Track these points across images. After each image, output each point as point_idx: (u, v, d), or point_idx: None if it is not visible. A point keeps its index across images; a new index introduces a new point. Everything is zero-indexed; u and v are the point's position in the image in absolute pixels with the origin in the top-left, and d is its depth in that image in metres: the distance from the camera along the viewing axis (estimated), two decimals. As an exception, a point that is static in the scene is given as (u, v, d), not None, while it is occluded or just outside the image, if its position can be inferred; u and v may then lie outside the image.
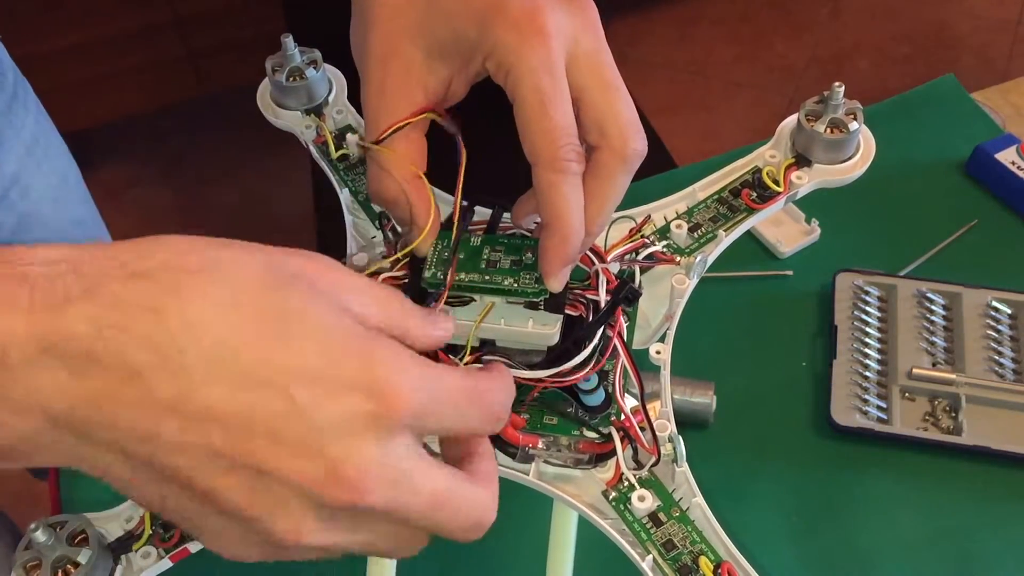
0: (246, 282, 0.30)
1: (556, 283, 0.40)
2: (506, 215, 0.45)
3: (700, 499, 0.40)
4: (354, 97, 0.55)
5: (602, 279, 0.43)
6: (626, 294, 0.41)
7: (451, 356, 0.41)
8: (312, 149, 0.53)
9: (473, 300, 0.41)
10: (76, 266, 0.29)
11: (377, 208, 0.49)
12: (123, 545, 0.41)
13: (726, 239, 0.49)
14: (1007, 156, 0.70)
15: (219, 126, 1.83)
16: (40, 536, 0.38)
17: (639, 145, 0.39)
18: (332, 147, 0.52)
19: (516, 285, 0.40)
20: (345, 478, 0.29)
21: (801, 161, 0.50)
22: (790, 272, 0.67)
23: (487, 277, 0.41)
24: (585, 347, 0.41)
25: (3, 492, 1.32)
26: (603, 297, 0.43)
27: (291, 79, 0.52)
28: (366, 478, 0.30)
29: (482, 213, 0.47)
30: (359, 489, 0.30)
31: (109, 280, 0.28)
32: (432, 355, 0.41)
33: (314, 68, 0.53)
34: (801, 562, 0.55)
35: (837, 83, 0.49)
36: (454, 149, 0.42)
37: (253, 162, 1.76)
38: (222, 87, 1.71)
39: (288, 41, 0.52)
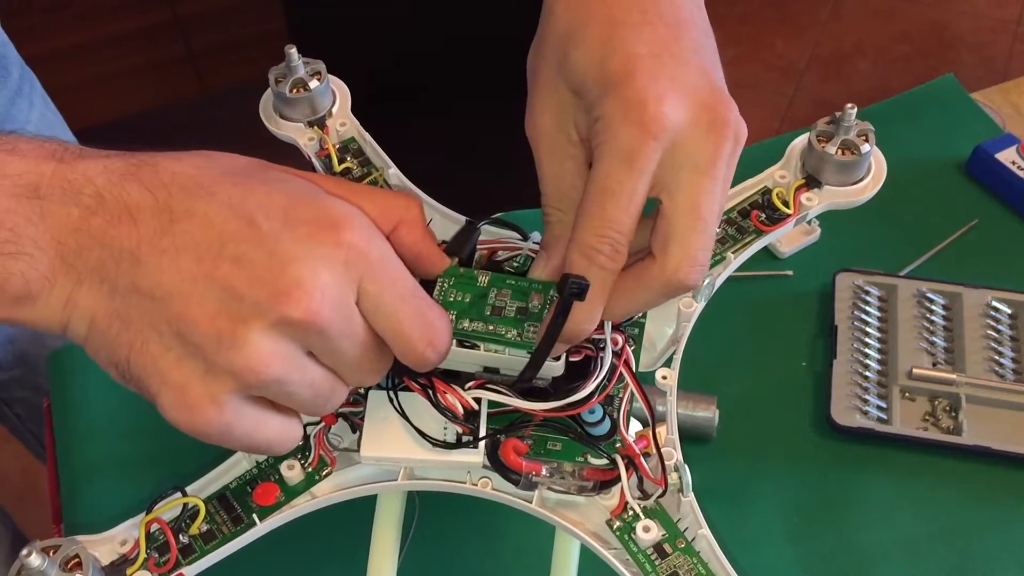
0: (237, 162, 0.36)
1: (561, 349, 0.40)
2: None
3: (706, 531, 0.40)
4: (358, 109, 0.54)
5: None
6: (570, 290, 0.39)
7: (453, 385, 0.41)
8: (315, 162, 0.52)
9: (478, 345, 0.40)
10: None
11: None
12: (117, 569, 0.41)
13: (735, 261, 0.48)
14: (1007, 156, 0.70)
15: (219, 126, 1.82)
16: (33, 560, 0.37)
17: (692, 280, 0.38)
18: (335, 160, 0.52)
19: (520, 339, 0.40)
20: (302, 294, 0.33)
21: (811, 182, 0.50)
22: (790, 272, 0.67)
23: (491, 327, 0.40)
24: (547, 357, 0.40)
25: (4, 492, 1.32)
26: (608, 334, 0.42)
27: (294, 90, 0.52)
28: (320, 297, 0.33)
29: (489, 232, 0.46)
30: (313, 306, 0.33)
31: (124, 151, 0.35)
32: (432, 383, 0.41)
33: (318, 80, 0.52)
34: (801, 562, 0.55)
35: (849, 104, 0.48)
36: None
37: (253, 162, 1.76)
38: (222, 87, 1.70)
39: (292, 52, 0.51)
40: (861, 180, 0.50)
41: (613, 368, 0.42)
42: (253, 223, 0.34)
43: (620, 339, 0.43)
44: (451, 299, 0.41)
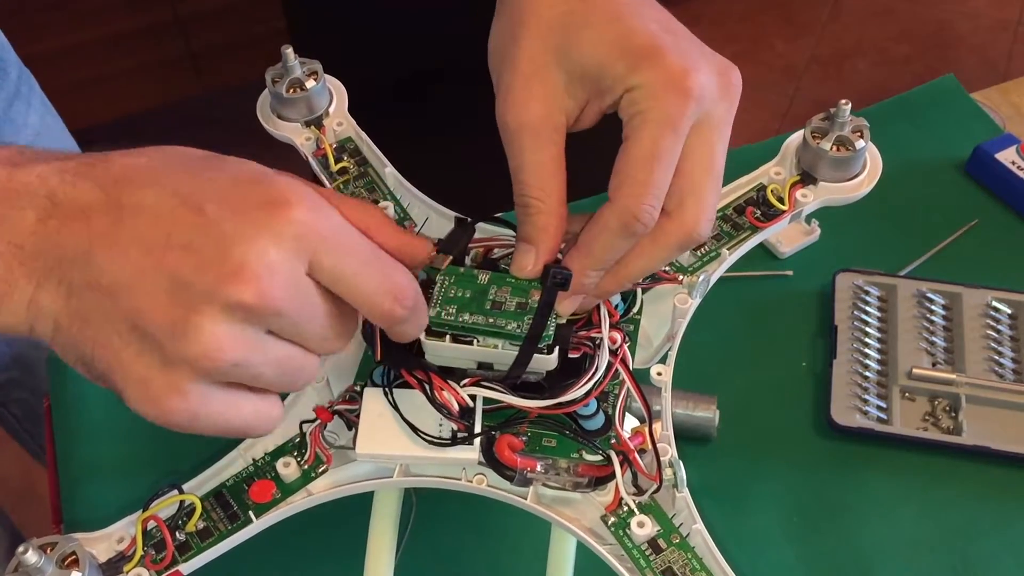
0: (190, 153, 0.37)
1: (563, 308, 0.41)
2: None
3: (700, 525, 0.40)
4: (354, 109, 0.54)
5: (603, 310, 0.43)
6: (553, 280, 0.39)
7: (449, 382, 0.41)
8: (312, 162, 0.52)
9: (475, 340, 0.40)
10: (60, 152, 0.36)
11: None
12: (114, 567, 0.41)
13: (730, 258, 0.48)
14: (1007, 156, 0.70)
15: (219, 126, 1.83)
16: (30, 557, 0.37)
17: (705, 232, 0.40)
18: (332, 160, 0.52)
19: (520, 330, 0.40)
20: (250, 276, 0.33)
21: (806, 179, 0.50)
22: (790, 272, 0.67)
23: (491, 320, 0.40)
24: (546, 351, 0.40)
25: (3, 492, 1.32)
26: (606, 332, 0.42)
27: (291, 90, 0.52)
28: (268, 276, 0.33)
29: (483, 230, 0.46)
30: (263, 287, 0.33)
31: (79, 154, 0.36)
32: (431, 381, 0.41)
33: (314, 80, 0.52)
34: (801, 562, 0.55)
35: (844, 100, 0.48)
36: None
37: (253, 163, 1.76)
38: (222, 87, 1.70)
39: (288, 52, 0.51)
40: (856, 176, 0.50)
41: (609, 366, 0.42)
42: (200, 210, 0.34)
43: (619, 337, 0.43)
44: (451, 295, 0.41)
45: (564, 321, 0.41)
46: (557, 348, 0.40)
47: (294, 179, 0.36)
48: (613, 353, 0.42)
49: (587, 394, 0.41)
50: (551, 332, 0.40)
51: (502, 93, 0.41)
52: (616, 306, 0.45)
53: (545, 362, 0.40)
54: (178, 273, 0.33)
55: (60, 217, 0.34)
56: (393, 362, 0.42)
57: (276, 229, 0.34)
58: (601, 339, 0.42)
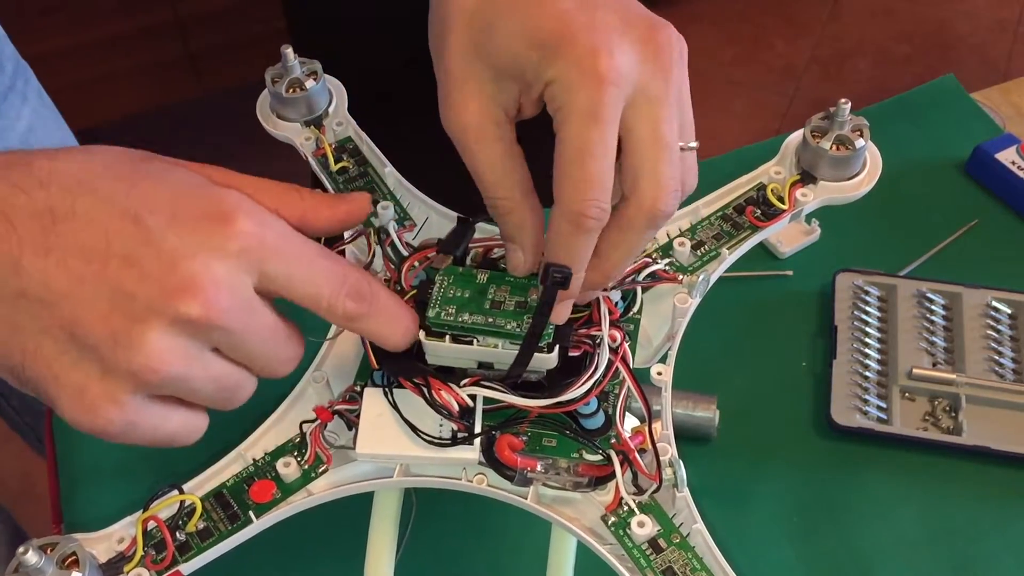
0: (119, 154, 0.35)
1: (558, 316, 0.40)
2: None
3: (701, 525, 0.40)
4: (354, 108, 0.54)
5: (603, 308, 0.43)
6: (552, 279, 0.39)
7: (449, 384, 0.41)
8: (312, 162, 0.52)
9: (475, 340, 0.40)
10: None
11: (376, 223, 0.49)
12: (114, 567, 0.41)
13: (729, 257, 0.48)
14: (1007, 156, 0.70)
15: (219, 126, 1.83)
16: (30, 558, 0.37)
17: (668, 206, 0.38)
18: (331, 160, 0.52)
19: (519, 329, 0.40)
20: (197, 290, 0.32)
21: (806, 178, 0.50)
22: (790, 272, 0.67)
23: (491, 319, 0.40)
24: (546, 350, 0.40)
25: (3, 492, 1.32)
26: (606, 330, 0.42)
27: (291, 90, 0.52)
28: (215, 292, 0.33)
29: (484, 230, 0.46)
30: (210, 302, 0.32)
31: (6, 153, 0.34)
32: (427, 381, 0.41)
33: (314, 80, 0.52)
34: (801, 562, 0.55)
35: (843, 99, 0.48)
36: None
37: (253, 162, 1.76)
38: (222, 87, 1.70)
39: (288, 52, 0.51)
40: (856, 175, 0.50)
41: (610, 364, 0.42)
42: (139, 220, 0.33)
43: (619, 335, 0.43)
44: (451, 295, 0.41)
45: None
46: (557, 347, 0.40)
47: (232, 190, 0.35)
48: (613, 351, 0.42)
49: (587, 392, 0.41)
50: (551, 331, 0.40)
51: (440, 98, 0.40)
52: (616, 304, 0.45)
53: (545, 361, 0.40)
54: (120, 284, 0.32)
55: None
56: (390, 369, 0.42)
57: (221, 243, 0.33)
58: (601, 337, 0.42)
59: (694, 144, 0.39)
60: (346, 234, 0.47)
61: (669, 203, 0.38)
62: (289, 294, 0.36)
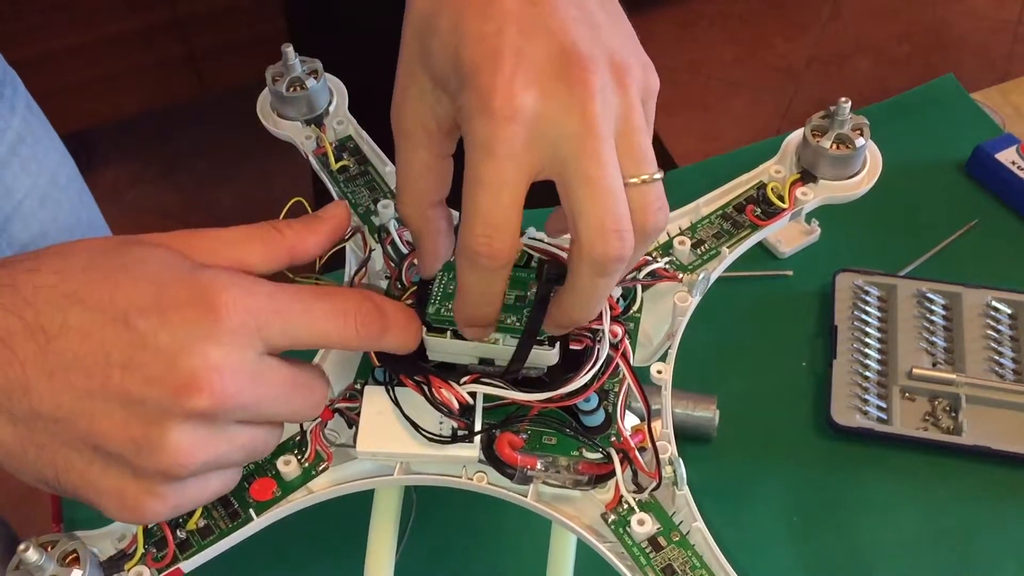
0: (94, 251, 0.35)
1: (471, 334, 0.39)
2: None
3: (701, 523, 0.40)
4: (355, 107, 0.54)
5: (604, 305, 0.43)
6: (547, 276, 0.38)
7: (450, 383, 0.41)
8: (312, 160, 0.52)
9: None
10: None
11: (376, 222, 0.49)
12: (115, 565, 0.41)
13: (729, 256, 0.48)
14: (1007, 156, 0.70)
15: (219, 126, 1.83)
16: (31, 555, 0.37)
17: (610, 250, 0.34)
18: (332, 158, 0.52)
19: (519, 323, 0.40)
20: (202, 383, 0.32)
21: (806, 177, 0.50)
22: (790, 272, 0.67)
23: None
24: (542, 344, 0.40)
25: (3, 491, 1.32)
26: (607, 324, 0.42)
27: (291, 89, 0.52)
28: (219, 379, 0.33)
29: None
30: (216, 391, 0.33)
31: None
32: (428, 379, 0.41)
33: (314, 78, 0.52)
34: (801, 561, 0.55)
35: (843, 99, 0.48)
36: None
37: (254, 162, 1.76)
38: (222, 87, 1.71)
39: (289, 51, 0.51)
40: (856, 174, 0.50)
41: (610, 360, 0.42)
42: (129, 324, 0.33)
43: (620, 331, 0.43)
44: (450, 291, 0.41)
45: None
46: (558, 343, 0.40)
47: (208, 269, 0.35)
48: (614, 347, 0.42)
49: (587, 385, 0.41)
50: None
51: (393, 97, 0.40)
52: (616, 300, 0.45)
53: (546, 357, 0.40)
54: (127, 392, 0.33)
55: None
56: (390, 367, 0.42)
57: (213, 329, 0.33)
58: (602, 332, 0.42)
59: (657, 175, 0.36)
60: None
61: (610, 246, 0.34)
62: (300, 346, 0.36)
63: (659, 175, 0.36)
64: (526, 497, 0.41)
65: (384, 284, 0.46)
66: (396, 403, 0.42)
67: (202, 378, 0.33)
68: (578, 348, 0.42)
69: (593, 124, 0.34)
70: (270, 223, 0.39)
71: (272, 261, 0.38)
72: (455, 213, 0.44)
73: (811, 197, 0.49)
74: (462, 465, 0.43)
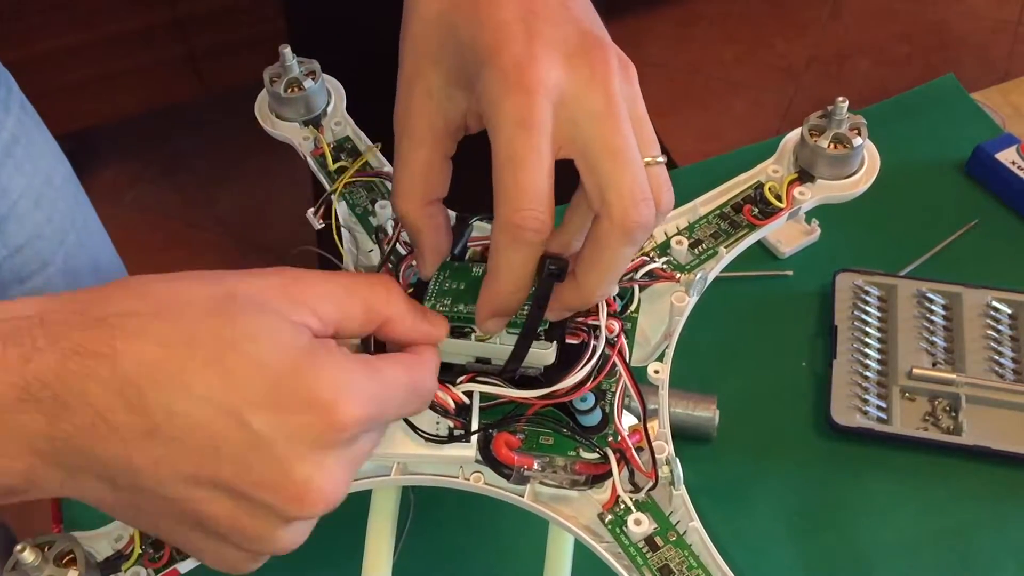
0: (199, 314, 0.32)
1: (490, 326, 0.40)
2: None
3: (697, 523, 0.40)
4: (353, 108, 0.54)
5: (601, 302, 0.43)
6: (548, 271, 0.38)
7: (444, 381, 0.41)
8: (310, 161, 0.52)
9: (472, 331, 0.40)
10: (43, 317, 0.31)
11: (374, 222, 0.49)
12: (112, 565, 0.41)
13: (727, 256, 0.48)
14: (1007, 156, 0.70)
15: (219, 126, 1.83)
16: (27, 556, 0.37)
17: (642, 217, 0.36)
18: (330, 159, 0.52)
19: (516, 317, 0.40)
20: (316, 495, 0.32)
21: (804, 176, 0.50)
22: (790, 272, 0.67)
23: None
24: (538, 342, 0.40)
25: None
26: (603, 321, 0.42)
27: (289, 90, 0.52)
28: (332, 488, 0.33)
29: (482, 228, 0.46)
30: (329, 500, 0.33)
31: (70, 329, 0.31)
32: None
33: (312, 79, 0.52)
34: (801, 561, 0.55)
35: (840, 98, 0.48)
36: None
37: (253, 162, 1.76)
38: (222, 87, 1.70)
39: (286, 52, 0.51)
40: (854, 174, 0.50)
41: (607, 358, 0.42)
42: (242, 421, 0.31)
43: (617, 326, 0.43)
44: (446, 288, 0.41)
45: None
46: (555, 343, 0.40)
47: (326, 367, 0.33)
48: (611, 344, 0.42)
49: (583, 382, 0.41)
50: (547, 326, 0.40)
51: (397, 92, 0.40)
52: (613, 299, 0.45)
53: (543, 356, 0.40)
54: (237, 487, 0.32)
55: (75, 421, 0.31)
56: None
57: (328, 436, 0.32)
58: (599, 327, 0.42)
59: (661, 159, 0.38)
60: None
61: (642, 213, 0.36)
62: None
63: (662, 159, 0.38)
64: (523, 497, 0.41)
65: None
66: None
67: (316, 489, 0.32)
68: (575, 342, 0.42)
69: (616, 101, 0.36)
70: (380, 280, 0.38)
71: (365, 330, 0.38)
72: (452, 213, 0.44)
73: (809, 197, 0.49)
74: (459, 465, 0.42)
